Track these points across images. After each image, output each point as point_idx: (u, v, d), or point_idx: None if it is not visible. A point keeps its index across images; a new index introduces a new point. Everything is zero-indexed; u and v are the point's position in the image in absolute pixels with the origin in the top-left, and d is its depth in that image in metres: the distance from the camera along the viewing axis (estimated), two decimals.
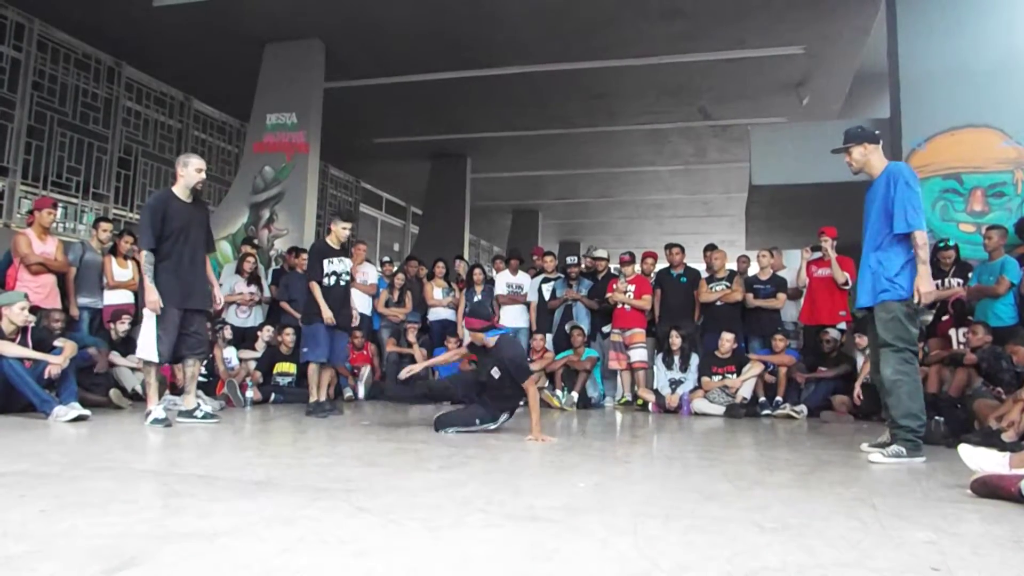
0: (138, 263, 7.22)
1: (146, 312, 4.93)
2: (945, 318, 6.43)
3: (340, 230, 6.13)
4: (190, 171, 5.11)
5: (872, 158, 4.19)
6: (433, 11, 9.01)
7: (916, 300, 3.90)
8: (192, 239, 5.10)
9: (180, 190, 5.13)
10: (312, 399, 6.01)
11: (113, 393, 5.68)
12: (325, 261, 6.06)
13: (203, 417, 5.08)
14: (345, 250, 6.31)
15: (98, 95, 10.39)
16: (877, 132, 4.27)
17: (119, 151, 10.77)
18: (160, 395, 6.00)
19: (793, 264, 8.41)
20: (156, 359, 4.92)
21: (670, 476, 3.40)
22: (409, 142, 14.23)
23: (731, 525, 2.28)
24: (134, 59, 10.80)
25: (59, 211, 6.76)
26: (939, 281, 6.60)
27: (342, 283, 6.15)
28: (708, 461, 3.88)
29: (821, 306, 7.31)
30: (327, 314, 5.89)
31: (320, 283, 6.01)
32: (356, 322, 6.52)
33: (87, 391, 5.57)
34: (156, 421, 4.75)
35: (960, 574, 1.80)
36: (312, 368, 6.02)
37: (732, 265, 8.33)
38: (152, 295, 4.85)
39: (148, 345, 4.89)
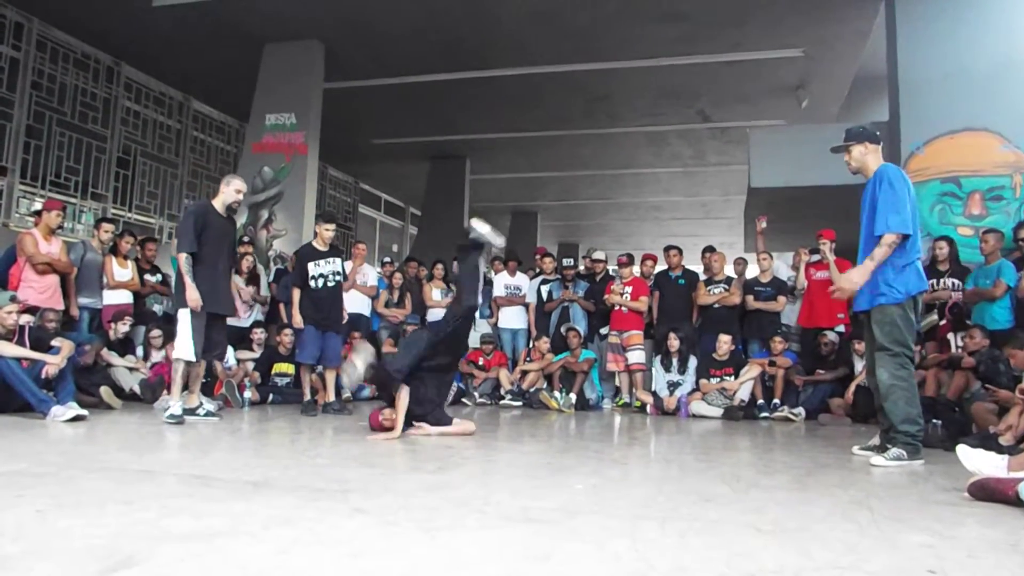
0: (137, 263, 7.31)
1: (181, 313, 5.16)
2: (943, 322, 6.43)
3: (324, 232, 6.27)
4: (230, 191, 5.44)
5: (869, 159, 4.14)
6: (432, 12, 9.02)
7: (832, 289, 3.97)
8: (225, 250, 5.46)
9: (218, 204, 5.43)
10: (305, 398, 6.16)
11: (103, 391, 5.66)
12: (311, 264, 6.16)
13: (205, 415, 5.25)
14: (335, 250, 6.39)
15: (97, 95, 10.40)
16: (878, 133, 4.24)
17: (118, 151, 10.78)
18: (159, 396, 6.10)
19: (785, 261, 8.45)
20: (193, 358, 5.17)
21: (667, 478, 3.40)
22: (408, 143, 14.24)
23: (728, 527, 2.28)
24: (133, 59, 10.81)
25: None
26: (933, 281, 6.61)
27: (330, 284, 6.22)
28: (705, 463, 3.88)
29: (819, 309, 7.31)
30: (296, 319, 6.11)
31: (306, 287, 6.12)
32: (344, 320, 6.58)
33: (84, 392, 5.56)
34: (172, 417, 4.91)
35: None
36: (304, 369, 6.22)
37: (730, 267, 8.35)
38: (193, 293, 5.10)
39: (185, 345, 5.13)
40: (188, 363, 5.18)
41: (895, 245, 3.86)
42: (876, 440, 4.11)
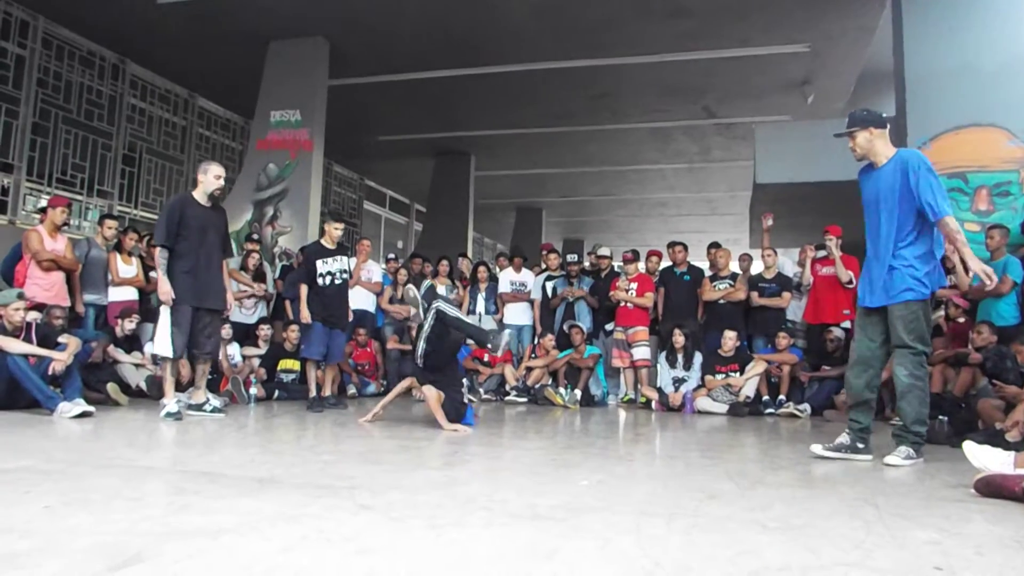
0: (142, 259, 7.32)
1: (162, 309, 5.11)
2: (963, 320, 6.37)
3: (333, 230, 6.34)
4: (208, 177, 5.32)
5: (877, 143, 3.94)
6: (437, 9, 9.01)
7: (976, 281, 3.78)
8: (209, 241, 5.31)
9: (199, 194, 5.35)
10: (311, 395, 6.21)
11: (111, 387, 5.69)
12: (319, 262, 6.22)
13: (212, 411, 5.28)
14: (342, 248, 6.46)
15: (103, 92, 10.42)
16: (884, 115, 4.03)
17: (123, 148, 10.80)
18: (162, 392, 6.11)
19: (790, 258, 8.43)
20: (171, 354, 5.11)
21: (673, 475, 3.40)
22: (413, 139, 14.24)
23: (734, 524, 2.28)
24: (139, 56, 10.82)
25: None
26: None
27: (337, 281, 6.29)
28: (711, 460, 3.88)
29: (825, 305, 7.30)
30: (304, 315, 6.10)
31: (313, 284, 6.17)
32: (350, 318, 6.66)
33: (91, 388, 5.59)
34: (168, 415, 4.92)
35: (963, 574, 1.80)
36: (310, 365, 6.25)
37: (735, 263, 8.34)
38: (164, 286, 5.05)
39: (163, 340, 5.09)
40: (170, 360, 5.13)
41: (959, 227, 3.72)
42: (844, 439, 3.90)
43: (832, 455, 3.86)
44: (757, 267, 8.30)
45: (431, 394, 4.91)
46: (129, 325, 6.63)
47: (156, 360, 6.65)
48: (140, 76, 11.12)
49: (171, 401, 5.03)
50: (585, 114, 12.63)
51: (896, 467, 3.65)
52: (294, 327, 7.31)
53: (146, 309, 7.23)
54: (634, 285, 7.64)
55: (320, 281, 6.18)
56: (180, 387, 6.18)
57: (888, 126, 3.99)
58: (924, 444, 3.84)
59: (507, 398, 7.57)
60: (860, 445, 3.87)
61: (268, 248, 9.53)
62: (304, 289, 6.16)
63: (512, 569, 1.76)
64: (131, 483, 2.70)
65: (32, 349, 5.12)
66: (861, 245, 4.23)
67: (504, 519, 2.26)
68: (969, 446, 3.23)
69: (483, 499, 2.56)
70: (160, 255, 5.10)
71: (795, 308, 7.68)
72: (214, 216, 5.41)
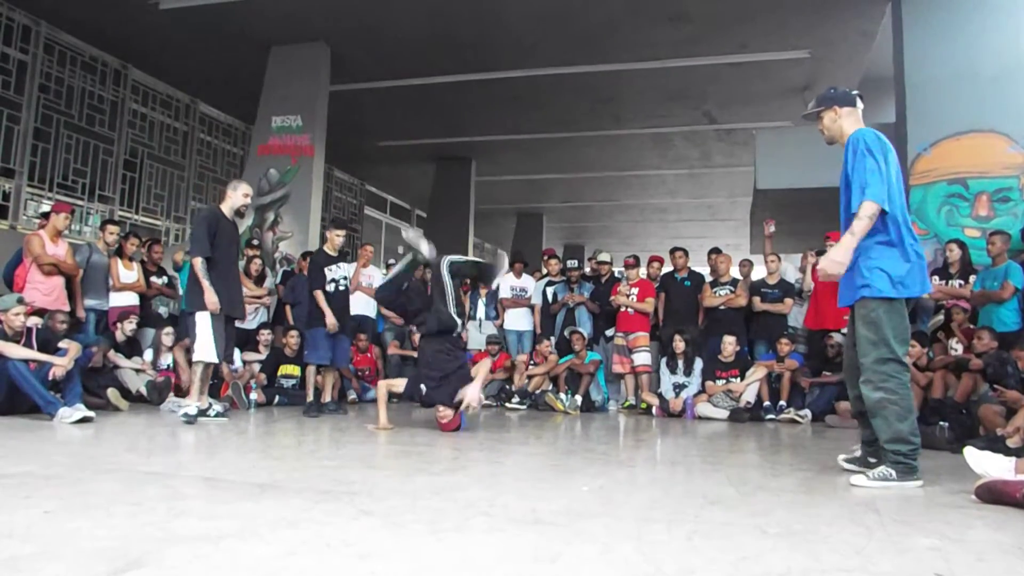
0: (144, 265, 7.34)
1: (200, 316, 5.27)
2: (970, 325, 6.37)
3: (335, 238, 6.42)
4: (238, 195, 5.55)
5: (844, 123, 3.46)
6: (438, 14, 9.04)
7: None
8: (233, 254, 5.62)
9: (226, 209, 5.55)
10: (308, 399, 6.25)
11: (111, 392, 5.70)
12: (326, 269, 6.30)
13: (215, 415, 5.39)
14: (343, 256, 6.55)
15: (104, 97, 10.44)
16: (854, 93, 3.52)
17: (125, 153, 10.83)
18: (166, 398, 6.16)
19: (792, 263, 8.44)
20: (216, 359, 5.34)
21: (674, 480, 3.40)
22: (414, 145, 14.27)
23: (735, 530, 2.28)
24: (140, 62, 10.86)
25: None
26: (943, 282, 6.59)
27: (341, 288, 6.38)
28: (712, 465, 3.88)
29: (826, 310, 7.28)
30: (331, 321, 6.14)
31: (324, 290, 6.23)
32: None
33: (91, 393, 5.59)
34: (186, 416, 5.08)
35: None
36: (310, 370, 6.31)
37: (736, 268, 8.35)
38: (212, 296, 5.22)
39: (207, 347, 5.27)
40: (208, 365, 5.33)
41: (875, 217, 3.19)
42: (860, 451, 3.60)
43: (852, 467, 3.51)
44: (759, 273, 8.29)
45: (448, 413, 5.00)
46: (129, 326, 6.63)
47: (156, 366, 6.70)
48: (141, 81, 11.15)
49: (194, 405, 5.16)
50: (586, 120, 12.65)
51: (863, 488, 3.12)
52: (293, 333, 7.32)
53: (146, 314, 7.24)
54: (635, 290, 7.64)
55: (328, 288, 6.27)
56: (180, 393, 6.30)
57: (856, 104, 3.50)
58: (913, 464, 3.19)
59: (508, 404, 7.56)
60: (872, 460, 3.44)
61: (269, 253, 9.53)
62: (321, 295, 6.22)
63: (514, 574, 1.76)
64: (132, 488, 2.70)
65: (32, 354, 5.12)
66: None
67: (506, 524, 2.26)
68: (970, 452, 3.22)
69: (484, 504, 2.56)
70: (202, 266, 5.25)
71: (796, 314, 7.67)
72: (235, 231, 5.68)
